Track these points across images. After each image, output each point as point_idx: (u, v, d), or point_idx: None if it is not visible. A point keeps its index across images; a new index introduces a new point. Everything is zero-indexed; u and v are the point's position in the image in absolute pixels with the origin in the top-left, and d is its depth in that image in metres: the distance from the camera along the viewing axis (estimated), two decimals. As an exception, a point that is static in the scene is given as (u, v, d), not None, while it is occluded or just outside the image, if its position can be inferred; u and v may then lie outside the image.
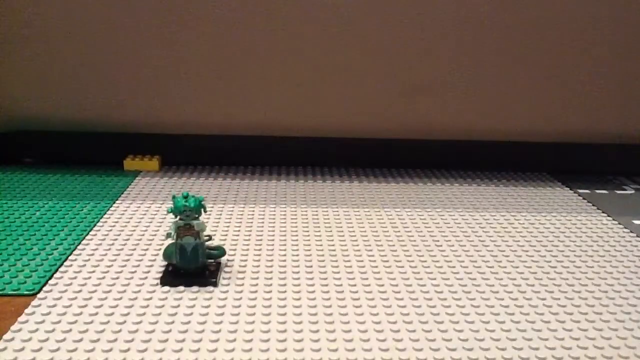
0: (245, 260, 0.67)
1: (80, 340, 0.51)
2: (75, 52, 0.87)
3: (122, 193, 0.87)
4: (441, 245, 0.73)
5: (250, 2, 0.85)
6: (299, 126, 0.94)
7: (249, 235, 0.74)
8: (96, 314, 0.55)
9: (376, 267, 0.67)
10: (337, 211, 0.83)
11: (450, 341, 0.53)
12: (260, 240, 0.73)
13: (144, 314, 0.56)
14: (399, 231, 0.77)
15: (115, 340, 0.52)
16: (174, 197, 0.60)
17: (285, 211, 0.82)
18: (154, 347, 0.51)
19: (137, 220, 0.78)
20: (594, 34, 0.87)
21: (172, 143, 1.00)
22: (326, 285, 0.62)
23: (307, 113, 0.93)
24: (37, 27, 0.86)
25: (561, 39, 0.87)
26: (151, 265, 0.65)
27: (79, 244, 0.70)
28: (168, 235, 0.61)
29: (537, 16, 0.86)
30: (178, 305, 0.57)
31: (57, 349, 0.50)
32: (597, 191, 0.95)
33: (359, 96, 0.91)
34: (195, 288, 0.60)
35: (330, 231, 0.76)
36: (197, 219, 0.60)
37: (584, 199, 0.91)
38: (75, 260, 0.66)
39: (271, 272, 0.65)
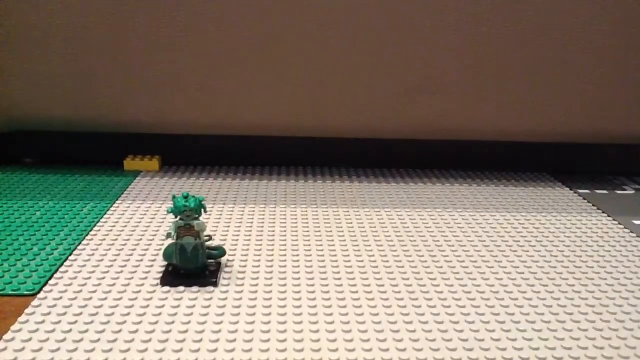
0: (245, 260, 0.67)
1: (80, 340, 0.51)
2: (75, 52, 0.87)
3: (122, 193, 0.87)
4: (441, 245, 0.73)
5: (250, 3, 0.85)
6: (299, 126, 0.94)
7: (249, 235, 0.74)
8: (96, 314, 0.55)
9: (376, 267, 0.67)
10: (337, 211, 0.83)
11: (450, 341, 0.53)
12: (260, 240, 0.73)
13: (144, 314, 0.56)
14: (399, 231, 0.77)
15: (115, 340, 0.52)
16: (174, 197, 0.60)
17: (285, 211, 0.82)
18: (154, 347, 0.51)
19: (137, 220, 0.78)
20: (595, 34, 0.87)
21: (172, 143, 1.00)
22: (326, 285, 0.62)
23: (307, 113, 0.93)
24: (37, 27, 0.86)
25: (561, 39, 0.87)
26: (151, 265, 0.65)
27: (79, 244, 0.70)
28: (168, 235, 0.61)
29: (537, 16, 0.86)
30: (178, 305, 0.57)
31: (57, 349, 0.50)
32: (597, 191, 0.95)
33: (358, 96, 0.91)
34: (195, 288, 0.60)
35: (330, 231, 0.76)
36: (197, 219, 0.60)
37: (584, 199, 0.91)
38: (75, 260, 0.66)
39: (271, 272, 0.65)
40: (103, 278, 0.62)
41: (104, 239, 0.72)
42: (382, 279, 0.64)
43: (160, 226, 0.76)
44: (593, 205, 0.89)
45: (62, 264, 0.65)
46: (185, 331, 0.53)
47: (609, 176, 1.03)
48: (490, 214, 0.84)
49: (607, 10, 0.86)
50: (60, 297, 0.58)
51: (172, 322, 0.54)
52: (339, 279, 0.64)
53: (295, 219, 0.80)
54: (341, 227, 0.78)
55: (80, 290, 0.59)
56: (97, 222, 0.77)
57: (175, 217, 0.60)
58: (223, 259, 0.66)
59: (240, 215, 0.80)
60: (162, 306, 0.57)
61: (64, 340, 0.51)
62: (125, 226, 0.76)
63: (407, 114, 0.92)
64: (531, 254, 0.72)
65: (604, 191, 0.95)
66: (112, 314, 0.55)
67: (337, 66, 0.89)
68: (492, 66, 0.89)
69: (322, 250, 0.71)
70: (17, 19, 0.86)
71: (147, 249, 0.69)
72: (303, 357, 0.50)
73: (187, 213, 0.59)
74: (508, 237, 0.76)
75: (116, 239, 0.72)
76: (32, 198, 0.84)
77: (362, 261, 0.68)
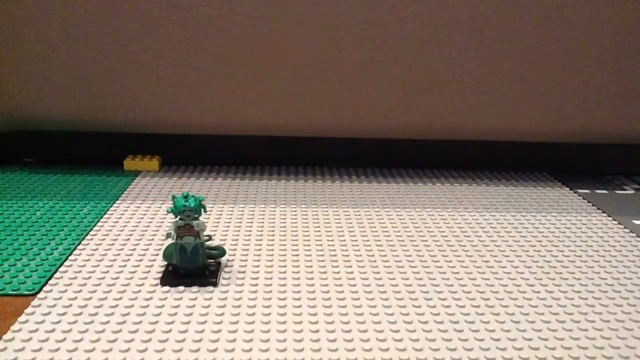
0: (245, 260, 0.67)
1: (80, 340, 0.51)
2: (75, 52, 0.87)
3: (122, 193, 0.87)
4: (441, 245, 0.73)
5: (250, 3, 0.85)
6: (300, 126, 0.94)
7: (249, 235, 0.74)
8: (96, 314, 0.55)
9: (376, 267, 0.67)
10: (337, 211, 0.83)
11: (450, 341, 0.53)
12: (260, 240, 0.73)
13: (144, 314, 0.56)
14: (399, 231, 0.77)
15: (115, 340, 0.52)
16: (173, 197, 0.60)
17: (285, 211, 0.82)
18: (154, 347, 0.51)
19: (137, 220, 0.78)
20: (595, 34, 0.87)
21: (172, 143, 1.00)
22: (326, 285, 0.62)
23: (307, 113, 0.93)
24: (37, 27, 0.86)
25: (562, 39, 0.87)
26: (151, 265, 0.65)
27: (79, 244, 0.70)
28: (168, 235, 0.61)
29: (538, 17, 0.86)
30: (178, 305, 0.57)
31: (57, 349, 0.50)
32: (597, 191, 0.95)
33: (358, 96, 0.91)
34: (195, 288, 0.60)
35: (330, 231, 0.76)
36: (197, 219, 0.60)
37: (584, 199, 0.91)
38: (75, 260, 0.66)
39: (271, 272, 0.65)
40: (103, 278, 0.62)
41: (104, 239, 0.72)
42: (382, 278, 0.64)
43: (160, 226, 0.76)
44: (593, 205, 0.89)
45: (62, 264, 0.65)
46: (185, 331, 0.53)
47: (609, 176, 1.03)
48: (490, 214, 0.84)
49: (608, 11, 0.86)
50: (60, 297, 0.58)
51: (172, 322, 0.54)
52: (339, 279, 0.64)
53: (295, 219, 0.80)
54: (341, 227, 0.78)
55: (80, 290, 0.59)
56: (97, 222, 0.77)
57: (175, 217, 0.60)
58: (223, 259, 0.66)
59: (240, 215, 0.80)
60: (162, 306, 0.57)
61: (64, 340, 0.51)
62: (125, 226, 0.76)
63: (407, 114, 0.92)
64: (531, 254, 0.72)
65: (604, 191, 0.95)
66: (112, 314, 0.55)
67: (337, 67, 0.89)
68: (492, 67, 0.89)
69: (322, 250, 0.71)
70: (17, 19, 0.86)
71: (147, 249, 0.69)
72: (303, 357, 0.50)
73: (187, 213, 0.59)
74: (508, 237, 0.76)
75: (116, 239, 0.72)
76: (32, 198, 0.84)
77: (362, 261, 0.68)
